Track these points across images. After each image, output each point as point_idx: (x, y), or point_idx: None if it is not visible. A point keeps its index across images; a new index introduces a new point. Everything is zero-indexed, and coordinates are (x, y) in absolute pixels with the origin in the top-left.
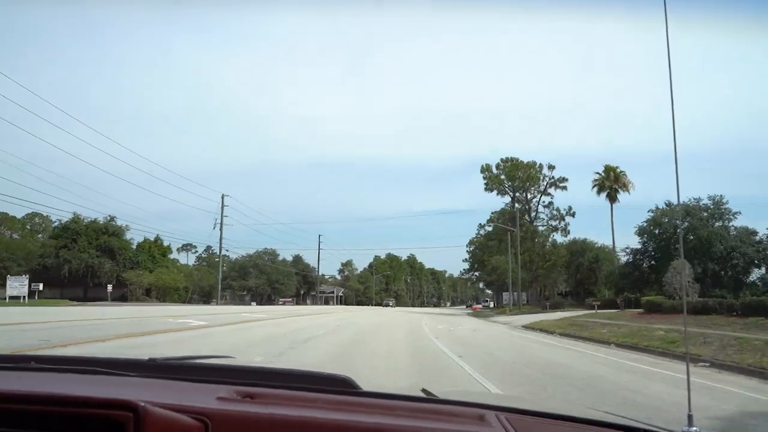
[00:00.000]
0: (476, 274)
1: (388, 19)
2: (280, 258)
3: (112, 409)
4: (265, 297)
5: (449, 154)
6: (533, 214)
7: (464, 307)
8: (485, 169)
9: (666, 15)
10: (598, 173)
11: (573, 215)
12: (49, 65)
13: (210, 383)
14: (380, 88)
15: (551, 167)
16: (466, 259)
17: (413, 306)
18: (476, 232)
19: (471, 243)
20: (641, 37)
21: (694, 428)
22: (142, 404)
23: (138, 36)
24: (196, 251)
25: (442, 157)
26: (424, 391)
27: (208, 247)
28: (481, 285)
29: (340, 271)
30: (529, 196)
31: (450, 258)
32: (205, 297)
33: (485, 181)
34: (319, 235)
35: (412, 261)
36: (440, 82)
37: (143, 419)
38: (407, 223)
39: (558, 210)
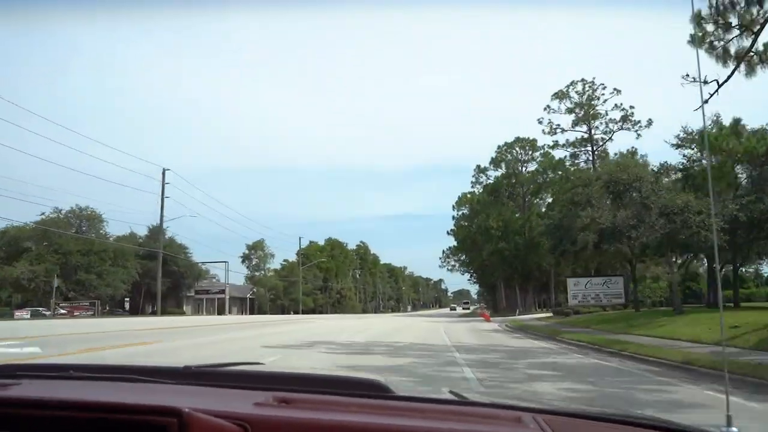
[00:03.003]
0: (463, 257)
1: (342, 25)
2: (121, 233)
3: (157, 416)
4: (64, 297)
5: (401, 159)
6: None
7: (452, 311)
8: None
9: None
10: None
11: None
12: None
13: (245, 389)
14: (334, 94)
15: None
16: (451, 230)
17: (365, 311)
18: (473, 179)
19: (461, 203)
20: None
21: (734, 428)
22: (186, 410)
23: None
24: None
25: (394, 162)
26: (453, 393)
27: None
28: (466, 279)
29: (245, 259)
30: None
31: (408, 258)
32: None
33: None
34: (164, 170)
35: (363, 251)
36: (393, 88)
37: (187, 424)
38: (360, 226)
39: None
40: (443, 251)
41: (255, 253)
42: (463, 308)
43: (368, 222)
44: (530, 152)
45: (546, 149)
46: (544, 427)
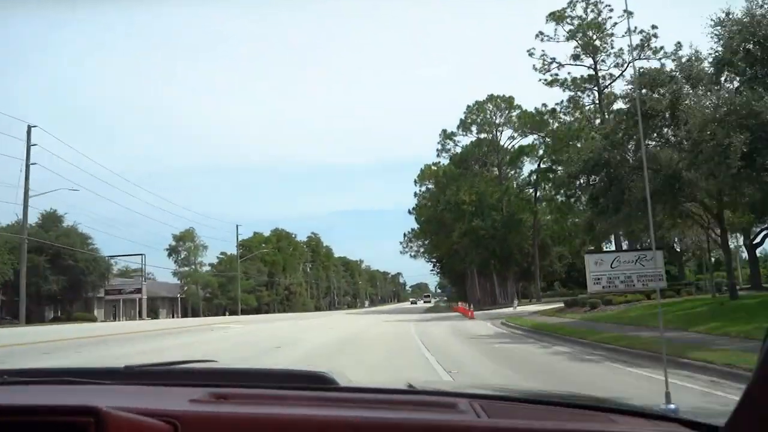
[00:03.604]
0: (426, 242)
1: (299, 23)
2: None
3: (73, 416)
4: None
5: (355, 156)
6: None
7: (413, 304)
8: None
9: None
10: None
11: None
12: None
13: (184, 386)
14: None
15: None
16: (413, 209)
17: (318, 309)
18: (438, 146)
19: (423, 176)
20: None
21: (672, 405)
22: (105, 409)
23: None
24: None
25: (348, 159)
26: (407, 384)
27: None
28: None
29: (171, 252)
30: None
31: (371, 255)
32: None
33: None
34: (30, 127)
35: (314, 243)
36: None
37: (105, 423)
38: (315, 224)
39: None
40: (404, 234)
41: (183, 244)
42: (424, 301)
43: (326, 218)
44: (507, 111)
45: (524, 109)
46: (478, 411)
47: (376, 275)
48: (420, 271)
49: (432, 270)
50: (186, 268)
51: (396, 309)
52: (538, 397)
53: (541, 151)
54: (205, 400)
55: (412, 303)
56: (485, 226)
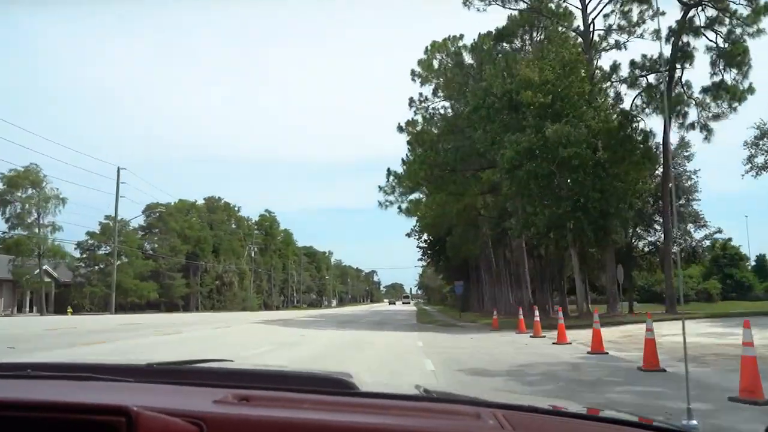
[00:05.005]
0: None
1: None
2: None
3: (105, 415)
4: None
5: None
6: None
7: (391, 304)
8: None
9: None
10: None
11: None
12: None
13: (208, 387)
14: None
15: None
16: (405, 124)
17: (268, 306)
18: None
19: (428, 66)
20: None
21: (693, 421)
22: (135, 409)
23: None
24: None
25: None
26: (424, 390)
27: None
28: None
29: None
30: None
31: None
32: None
33: None
34: None
35: (268, 224)
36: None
37: (136, 424)
38: (287, 218)
39: None
40: (387, 171)
41: (17, 194)
42: (403, 303)
43: (296, 215)
44: None
45: None
46: (503, 423)
47: (347, 271)
48: (396, 266)
49: (422, 258)
50: (23, 233)
51: (370, 313)
52: (562, 411)
53: None
54: (228, 401)
55: (390, 303)
56: (575, 137)
